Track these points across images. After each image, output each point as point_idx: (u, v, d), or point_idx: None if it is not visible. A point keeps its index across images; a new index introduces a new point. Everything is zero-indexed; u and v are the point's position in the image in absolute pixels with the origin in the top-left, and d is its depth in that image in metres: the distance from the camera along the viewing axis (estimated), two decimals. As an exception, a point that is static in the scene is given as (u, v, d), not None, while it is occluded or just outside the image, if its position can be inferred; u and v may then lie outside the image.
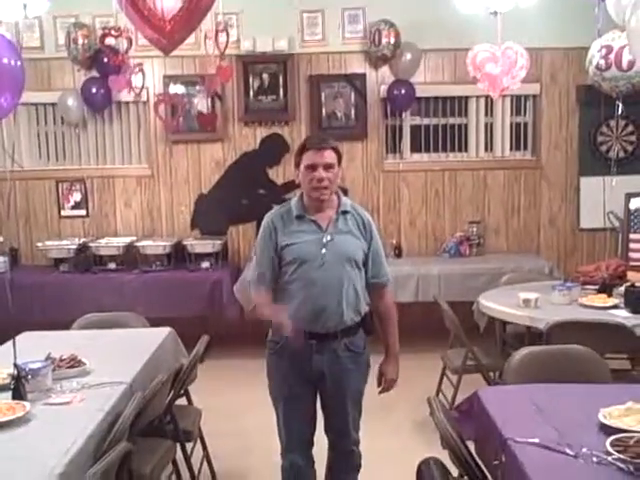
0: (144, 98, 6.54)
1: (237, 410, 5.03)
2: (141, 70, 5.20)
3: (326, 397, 3.16)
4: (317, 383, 3.11)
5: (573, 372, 3.06)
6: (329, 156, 3.03)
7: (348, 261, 3.04)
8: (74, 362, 3.19)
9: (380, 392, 3.25)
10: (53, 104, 6.53)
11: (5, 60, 2.96)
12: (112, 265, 6.26)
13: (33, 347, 3.62)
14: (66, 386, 2.99)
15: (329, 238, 3.03)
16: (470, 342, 4.51)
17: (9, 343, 3.80)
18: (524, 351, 3.23)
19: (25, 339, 3.89)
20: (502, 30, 5.00)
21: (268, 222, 3.11)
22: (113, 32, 4.44)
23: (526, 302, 4.33)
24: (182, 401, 3.77)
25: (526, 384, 2.91)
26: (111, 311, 5.62)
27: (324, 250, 3.00)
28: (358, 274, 3.09)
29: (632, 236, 6.47)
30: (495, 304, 4.49)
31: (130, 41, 4.45)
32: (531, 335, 4.50)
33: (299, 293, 3.00)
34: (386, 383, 3.23)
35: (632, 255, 6.43)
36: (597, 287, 4.61)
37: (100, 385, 3.00)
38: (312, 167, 3.00)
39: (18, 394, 2.76)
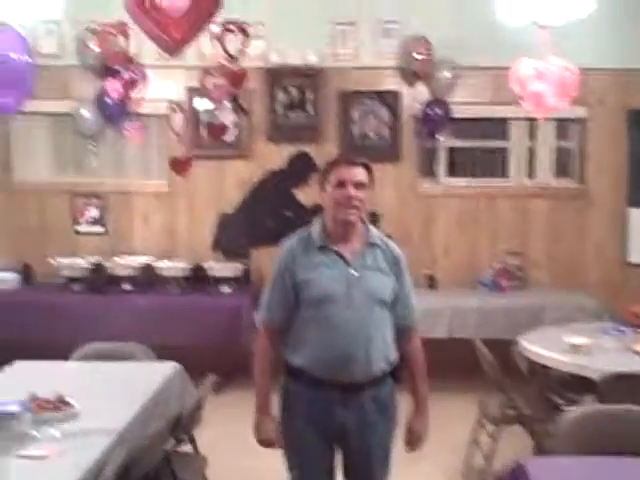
0: (164, 110, 6.21)
1: (250, 451, 4.57)
2: (143, 74, 4.81)
3: (349, 457, 2.73)
4: (337, 440, 2.70)
5: (637, 438, 2.61)
6: (361, 174, 2.64)
7: (378, 302, 2.63)
8: (60, 403, 2.81)
9: (408, 451, 2.83)
10: (69, 114, 6.20)
11: (13, 55, 2.63)
12: (127, 286, 5.91)
13: (22, 380, 3.32)
14: (46, 433, 2.60)
15: (356, 274, 2.62)
16: (510, 387, 4.06)
17: (2, 371, 3.51)
18: (577, 411, 2.79)
19: (16, 370, 3.56)
20: (549, 46, 4.58)
21: (286, 250, 2.71)
22: (112, 29, 4.08)
23: (574, 348, 3.88)
24: (187, 447, 3.37)
25: (581, 456, 2.46)
26: (122, 336, 5.42)
27: (350, 288, 2.60)
28: (388, 317, 2.68)
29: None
30: (539, 348, 4.04)
31: (127, 38, 4.08)
32: (579, 384, 4.04)
33: (320, 338, 2.60)
34: (414, 441, 2.80)
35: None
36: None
37: (85, 433, 2.61)
38: (341, 184, 2.61)
39: (-13, 443, 2.39)
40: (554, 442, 2.74)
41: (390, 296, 2.67)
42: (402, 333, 2.75)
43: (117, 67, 4.59)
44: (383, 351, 2.64)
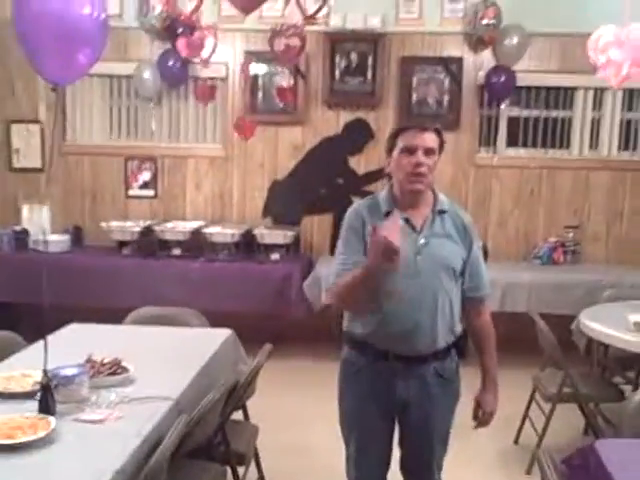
0: (223, 74, 6.14)
1: (301, 422, 4.55)
2: (214, 34, 4.70)
3: (409, 431, 2.65)
4: (399, 415, 2.62)
5: None
6: (431, 139, 2.50)
7: (446, 270, 2.52)
8: (117, 367, 2.77)
9: (476, 426, 2.73)
10: (128, 76, 6.15)
11: (87, 10, 2.54)
12: (177, 251, 5.88)
13: (78, 342, 3.29)
14: (103, 397, 2.56)
15: (424, 241, 2.51)
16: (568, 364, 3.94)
17: (59, 331, 3.49)
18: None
19: (71, 332, 3.54)
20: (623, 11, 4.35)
21: (356, 213, 2.59)
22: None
23: (637, 325, 3.72)
24: (237, 415, 3.33)
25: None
26: (172, 301, 5.38)
27: (418, 256, 2.48)
28: (455, 286, 2.57)
29: None
30: (600, 325, 3.88)
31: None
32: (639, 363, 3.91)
33: (385, 307, 2.49)
34: (484, 416, 2.69)
35: None
36: None
37: (142, 400, 2.56)
38: (410, 150, 2.48)
39: (45, 407, 2.35)
40: (620, 424, 2.61)
41: (459, 265, 2.56)
42: (471, 305, 2.64)
43: (186, 27, 4.45)
44: (449, 322, 2.54)
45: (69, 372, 2.47)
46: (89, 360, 2.77)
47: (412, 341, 2.49)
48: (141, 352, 3.11)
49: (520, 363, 4.87)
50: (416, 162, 2.47)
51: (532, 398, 4.27)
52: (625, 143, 6.19)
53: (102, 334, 3.49)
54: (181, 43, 4.75)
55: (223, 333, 3.57)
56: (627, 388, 4.16)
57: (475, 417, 2.71)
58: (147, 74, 5.96)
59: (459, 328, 2.61)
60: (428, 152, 2.49)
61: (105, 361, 2.79)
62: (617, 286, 5.17)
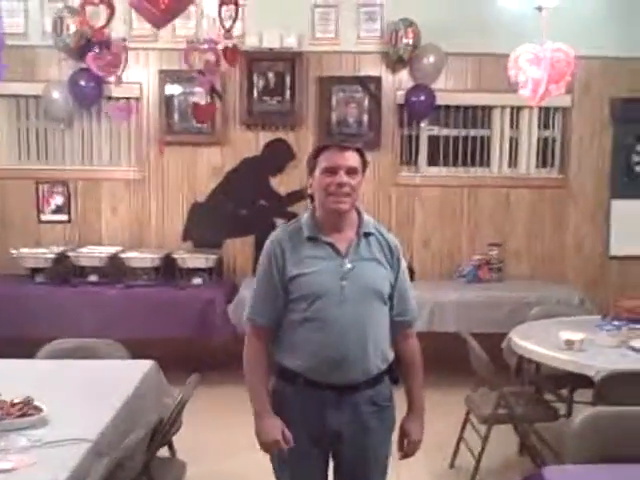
0: (137, 94, 5.95)
1: (231, 452, 4.35)
2: (125, 50, 4.53)
3: (344, 463, 2.52)
4: (331, 446, 2.49)
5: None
6: (353, 158, 2.41)
7: (374, 295, 2.42)
8: (28, 408, 2.55)
9: (401, 457, 2.60)
10: (36, 97, 5.88)
11: None
12: (93, 277, 5.62)
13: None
14: (13, 442, 2.35)
15: (350, 266, 2.40)
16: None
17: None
18: (585, 414, 2.61)
19: (-23, 370, 3.28)
20: (539, 30, 4.40)
21: (273, 244, 2.47)
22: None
23: (569, 343, 3.71)
24: (163, 451, 3.14)
25: (599, 464, 2.29)
26: (89, 331, 5.16)
27: (344, 282, 2.38)
28: (385, 312, 2.47)
29: (670, 267, 5.87)
30: (531, 344, 3.86)
31: (112, 10, 3.80)
32: (570, 380, 3.90)
33: (313, 337, 2.38)
34: (410, 445, 2.58)
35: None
36: (648, 327, 4.01)
37: (57, 443, 2.36)
38: (331, 170, 2.39)
39: (-53, 456, 2.13)
40: (563, 448, 2.55)
41: (387, 289, 2.46)
42: (399, 329, 2.54)
43: (100, 45, 4.26)
44: (380, 349, 2.44)
45: (-26, 416, 2.26)
46: (-3, 401, 2.55)
47: (343, 370, 2.38)
48: (55, 389, 2.90)
49: (451, 384, 4.84)
50: (339, 182, 2.38)
51: (466, 420, 4.21)
52: (543, 161, 6.28)
53: (12, 370, 3.25)
54: (90, 58, 4.53)
55: (144, 364, 3.38)
56: (560, 406, 4.16)
57: (400, 447, 2.59)
58: (56, 94, 5.71)
59: (391, 354, 2.51)
60: (350, 171, 2.40)
61: (15, 401, 2.57)
62: (543, 302, 5.21)
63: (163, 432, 2.80)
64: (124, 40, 4.62)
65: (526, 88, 4.16)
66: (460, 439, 4.22)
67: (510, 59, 4.22)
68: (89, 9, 4.11)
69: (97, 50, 4.46)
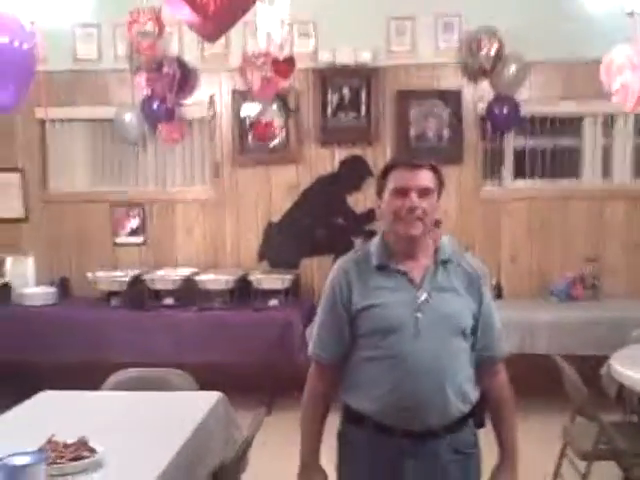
0: (211, 113, 5.85)
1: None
2: (186, 69, 4.39)
3: None
4: None
5: None
6: (426, 178, 2.16)
7: (453, 328, 2.15)
8: (82, 449, 2.39)
9: None
10: (110, 120, 5.84)
11: (7, 40, 2.25)
12: (168, 301, 5.52)
13: (43, 416, 2.92)
14: (64, 488, 2.19)
15: (425, 297, 2.14)
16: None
17: (26, 403, 3.14)
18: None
19: (40, 402, 3.16)
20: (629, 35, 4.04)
21: (339, 273, 2.23)
22: (141, 17, 3.68)
23: (678, 373, 3.34)
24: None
25: None
26: (163, 354, 5.10)
27: (419, 314, 2.12)
28: (466, 347, 2.19)
29: None
30: (636, 373, 3.49)
31: (160, 27, 3.66)
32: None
33: (384, 376, 2.12)
34: None
35: None
36: None
37: (110, 488, 2.19)
38: (401, 192, 2.14)
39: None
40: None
41: (469, 322, 2.18)
42: (484, 367, 2.25)
43: (154, 62, 4.15)
44: (461, 390, 2.16)
45: (21, 461, 2.10)
46: (50, 442, 2.39)
47: (419, 414, 2.11)
48: (115, 426, 2.73)
49: (544, 412, 4.50)
50: (410, 206, 2.13)
51: (562, 454, 3.86)
52: (639, 170, 5.85)
53: (73, 404, 3.11)
54: (143, 78, 4.41)
55: (212, 396, 3.18)
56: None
57: None
58: (129, 117, 5.65)
59: (475, 394, 2.22)
60: (423, 193, 2.14)
61: (69, 442, 2.41)
62: (643, 323, 4.81)
63: (227, 474, 2.59)
64: (178, 58, 4.48)
65: (620, 94, 3.81)
66: (556, 475, 3.88)
67: (603, 64, 3.86)
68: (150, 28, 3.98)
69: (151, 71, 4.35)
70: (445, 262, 2.21)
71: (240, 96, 5.73)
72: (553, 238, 5.83)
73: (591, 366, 4.12)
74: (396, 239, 2.20)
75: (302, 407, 2.27)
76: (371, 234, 5.77)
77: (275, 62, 3.80)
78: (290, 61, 4.08)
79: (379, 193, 2.24)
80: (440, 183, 2.20)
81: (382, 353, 2.12)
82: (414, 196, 2.13)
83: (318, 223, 5.91)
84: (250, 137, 5.79)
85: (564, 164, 5.86)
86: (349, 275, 2.20)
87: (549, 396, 4.34)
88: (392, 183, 2.17)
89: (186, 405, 3.09)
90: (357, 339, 2.18)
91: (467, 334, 2.18)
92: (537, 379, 4.57)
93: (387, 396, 2.11)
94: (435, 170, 2.19)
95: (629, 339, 4.29)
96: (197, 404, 3.08)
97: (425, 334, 2.11)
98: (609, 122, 5.79)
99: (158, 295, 5.55)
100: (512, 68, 5.51)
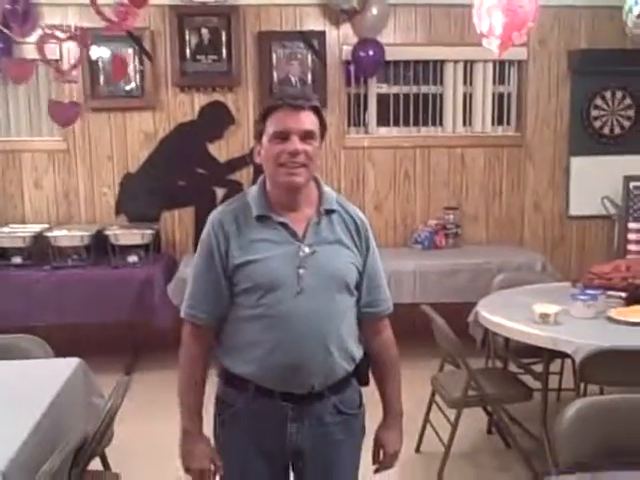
0: (57, 55, 5.37)
1: (173, 444, 3.95)
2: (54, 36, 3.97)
3: None
4: (293, 465, 2.09)
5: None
6: (308, 119, 1.98)
7: (338, 285, 2.01)
8: None
9: (376, 471, 2.24)
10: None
11: None
12: (17, 260, 5.10)
13: None
14: None
15: (308, 251, 1.98)
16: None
17: None
18: (576, 406, 2.26)
19: None
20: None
21: (214, 226, 2.03)
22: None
23: (544, 317, 3.38)
24: (95, 463, 2.71)
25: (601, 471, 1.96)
26: (14, 317, 4.75)
27: (302, 270, 1.96)
28: (351, 303, 2.06)
29: (631, 225, 5.62)
30: (503, 319, 3.52)
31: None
32: (533, 349, 3.52)
33: (264, 337, 1.96)
34: (386, 458, 2.21)
35: (630, 247, 5.60)
36: (624, 295, 3.71)
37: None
38: (283, 135, 1.95)
39: None
40: (555, 444, 2.21)
41: (354, 276, 2.05)
42: (371, 322, 2.14)
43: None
44: (346, 347, 2.03)
45: None
46: None
47: (302, 376, 1.97)
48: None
49: (412, 359, 4.48)
50: (291, 150, 1.95)
51: (432, 401, 3.88)
52: (499, 118, 5.93)
53: None
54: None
55: (69, 363, 2.92)
56: (526, 379, 3.85)
57: (376, 459, 2.22)
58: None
59: (359, 352, 2.11)
60: (306, 136, 1.97)
61: None
62: (504, 269, 4.95)
63: (90, 449, 2.36)
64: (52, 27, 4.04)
65: (490, 38, 3.75)
66: (426, 422, 3.90)
67: (474, 5, 3.78)
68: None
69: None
70: (330, 212, 2.06)
71: (90, 34, 5.27)
72: (416, 186, 5.83)
73: (454, 312, 4.13)
74: (277, 188, 2.02)
75: (179, 372, 2.08)
76: (236, 184, 5.61)
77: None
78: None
79: (258, 138, 2.04)
80: (323, 126, 2.04)
81: (262, 312, 1.96)
82: (296, 140, 1.95)
83: (178, 173, 5.63)
84: (102, 80, 5.38)
85: (427, 112, 5.83)
86: (225, 227, 2.00)
87: (415, 345, 4.35)
88: (272, 126, 1.97)
89: (41, 375, 2.82)
90: (235, 297, 2.00)
91: (352, 290, 2.05)
92: (403, 328, 4.53)
93: (267, 357, 1.96)
94: (317, 112, 2.01)
95: (492, 286, 4.36)
96: (53, 373, 2.82)
97: (308, 291, 1.95)
98: (469, 69, 5.80)
99: (6, 254, 5.11)
100: (373, 10, 5.40)
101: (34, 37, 4.86)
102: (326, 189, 2.10)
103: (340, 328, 2.01)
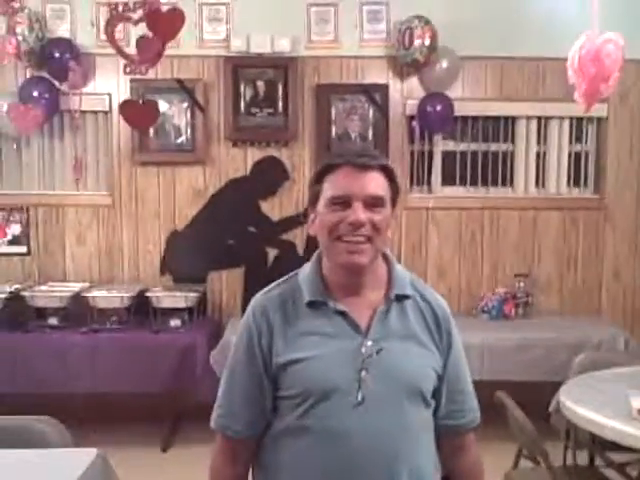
0: (106, 107, 5.15)
1: None
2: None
3: None
4: None
5: None
6: (376, 182, 1.60)
7: (410, 393, 1.58)
8: None
9: None
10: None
11: None
12: (53, 321, 4.79)
13: None
14: None
15: (373, 349, 1.56)
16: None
17: None
18: None
19: None
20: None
21: (255, 313, 1.63)
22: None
23: (643, 414, 2.87)
24: None
25: None
26: (47, 384, 4.53)
27: (364, 373, 1.54)
28: (427, 415, 1.63)
29: None
30: (592, 412, 3.00)
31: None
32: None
33: (313, 456, 1.53)
34: None
35: None
36: None
37: None
38: (343, 200, 1.57)
39: None
40: None
41: (431, 382, 1.63)
42: (450, 439, 1.71)
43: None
44: (421, 476, 1.59)
45: None
46: None
47: None
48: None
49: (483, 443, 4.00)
50: (354, 220, 1.56)
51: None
52: (575, 179, 5.47)
53: None
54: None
55: (88, 454, 2.52)
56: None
57: None
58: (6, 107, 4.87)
59: (437, 477, 1.67)
60: (373, 203, 1.59)
61: None
62: (583, 346, 4.45)
63: None
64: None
65: (583, 92, 3.32)
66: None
67: (568, 57, 3.34)
68: None
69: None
70: (402, 299, 1.64)
71: (139, 86, 5.04)
72: (483, 251, 5.40)
73: (525, 393, 3.65)
74: (334, 267, 1.62)
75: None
76: (288, 244, 5.27)
77: (152, 14, 2.83)
78: (175, 14, 3.02)
79: (312, 203, 1.65)
80: (394, 190, 1.63)
81: (312, 425, 1.54)
82: (359, 207, 1.56)
83: (228, 232, 5.30)
84: (152, 133, 5.11)
85: (496, 171, 5.42)
86: (270, 315, 1.61)
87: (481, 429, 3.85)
88: (329, 190, 1.60)
89: (54, 466, 2.42)
90: (279, 405, 1.59)
91: (428, 399, 1.62)
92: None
93: (323, 481, 1.52)
94: (387, 172, 1.62)
95: (571, 368, 3.84)
96: (67, 465, 2.41)
97: (371, 401, 1.53)
98: (543, 126, 5.38)
99: (42, 314, 4.81)
100: (443, 63, 5.06)
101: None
102: (398, 268, 1.69)
103: (412, 449, 1.58)
